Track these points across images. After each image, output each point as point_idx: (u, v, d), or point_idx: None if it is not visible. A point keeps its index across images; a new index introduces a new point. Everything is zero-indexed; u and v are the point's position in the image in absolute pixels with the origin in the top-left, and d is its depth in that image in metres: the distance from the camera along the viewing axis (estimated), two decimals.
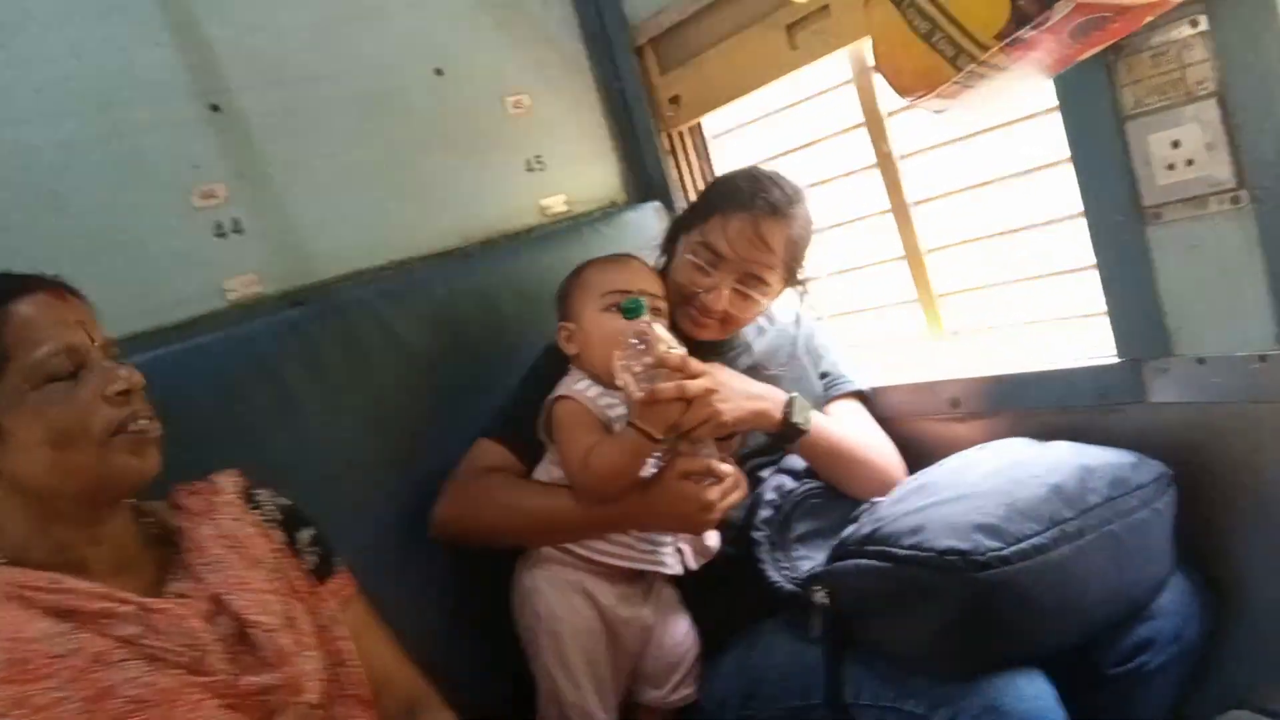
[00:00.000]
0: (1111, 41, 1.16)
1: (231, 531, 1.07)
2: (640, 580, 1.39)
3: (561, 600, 1.32)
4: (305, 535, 1.15)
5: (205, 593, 1.00)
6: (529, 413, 1.38)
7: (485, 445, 1.41)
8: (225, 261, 1.51)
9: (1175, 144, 1.21)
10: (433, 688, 1.18)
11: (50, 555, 0.95)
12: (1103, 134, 1.27)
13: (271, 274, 1.55)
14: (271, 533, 1.11)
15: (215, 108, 1.52)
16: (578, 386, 1.35)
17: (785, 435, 1.41)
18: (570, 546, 1.34)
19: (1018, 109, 1.51)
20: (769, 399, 1.41)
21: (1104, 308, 1.37)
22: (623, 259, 1.44)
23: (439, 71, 1.78)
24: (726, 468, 1.30)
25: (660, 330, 1.26)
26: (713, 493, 1.28)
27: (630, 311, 1.24)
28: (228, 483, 1.13)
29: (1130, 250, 1.29)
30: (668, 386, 1.21)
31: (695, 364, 1.28)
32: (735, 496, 1.32)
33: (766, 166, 1.54)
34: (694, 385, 1.24)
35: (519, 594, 1.38)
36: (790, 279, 1.50)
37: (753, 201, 1.43)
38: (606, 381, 1.34)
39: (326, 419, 1.43)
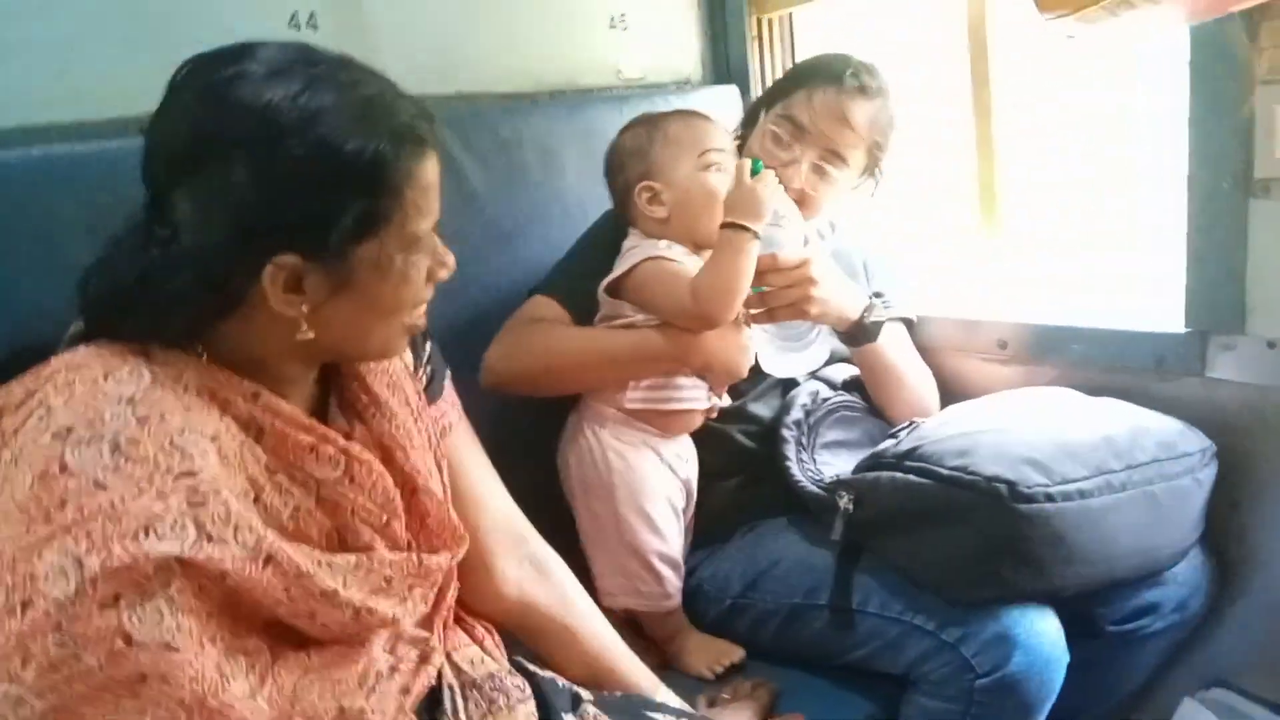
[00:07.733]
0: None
1: (388, 364, 0.93)
2: (686, 444, 1.37)
3: (636, 454, 1.30)
4: (428, 349, 1.01)
5: (371, 440, 0.87)
6: (590, 271, 1.34)
7: (541, 300, 1.37)
8: None
9: None
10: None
11: (256, 372, 0.81)
12: (1230, 96, 1.22)
13: None
14: (407, 356, 0.97)
15: None
16: (668, 249, 1.29)
17: (853, 336, 1.39)
18: (628, 402, 1.30)
19: (1138, 57, 1.46)
20: (857, 296, 1.38)
21: (1165, 276, 1.34)
22: (701, 115, 1.37)
23: None
24: None
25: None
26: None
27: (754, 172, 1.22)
28: None
29: (1227, 220, 1.25)
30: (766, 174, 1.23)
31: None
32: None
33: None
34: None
35: (580, 448, 1.33)
36: (872, 166, 1.46)
37: (841, 78, 1.39)
38: (694, 247, 1.31)
39: None
